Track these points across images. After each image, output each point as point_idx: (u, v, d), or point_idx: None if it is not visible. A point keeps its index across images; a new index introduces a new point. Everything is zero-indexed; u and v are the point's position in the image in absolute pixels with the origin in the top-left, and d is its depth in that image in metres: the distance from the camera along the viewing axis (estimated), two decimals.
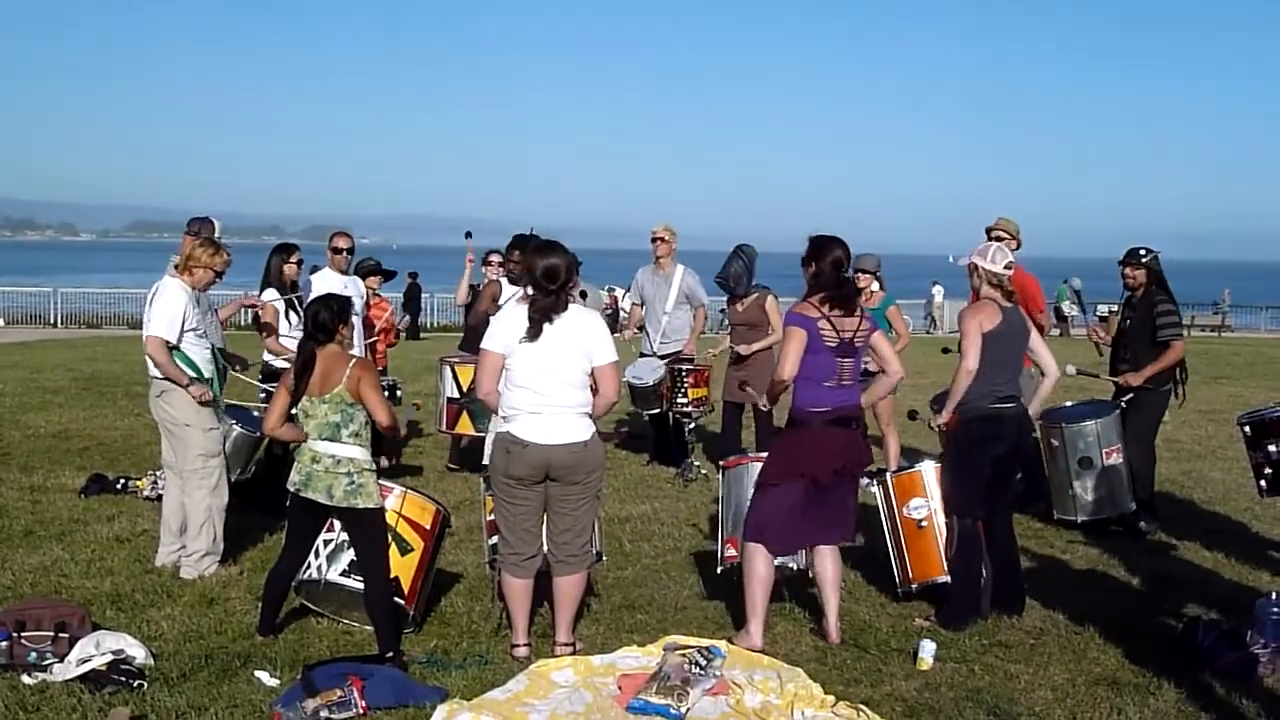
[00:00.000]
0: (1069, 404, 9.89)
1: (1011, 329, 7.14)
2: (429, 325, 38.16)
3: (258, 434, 9.07)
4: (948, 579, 7.25)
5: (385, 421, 6.48)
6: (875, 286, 11.20)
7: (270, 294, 9.89)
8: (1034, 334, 7.54)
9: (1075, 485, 9.23)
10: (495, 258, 12.04)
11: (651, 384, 11.80)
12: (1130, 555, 8.75)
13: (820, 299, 6.62)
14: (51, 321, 38.71)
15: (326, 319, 6.48)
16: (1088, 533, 9.28)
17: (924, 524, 7.54)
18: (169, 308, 7.85)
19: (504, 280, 11.25)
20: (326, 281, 10.28)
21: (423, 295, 37.21)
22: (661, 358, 11.97)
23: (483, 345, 6.39)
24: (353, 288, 10.51)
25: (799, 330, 6.57)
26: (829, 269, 6.66)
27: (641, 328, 12.46)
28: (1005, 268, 7.19)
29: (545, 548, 6.52)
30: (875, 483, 8.05)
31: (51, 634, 6.14)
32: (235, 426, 9.07)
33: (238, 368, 8.83)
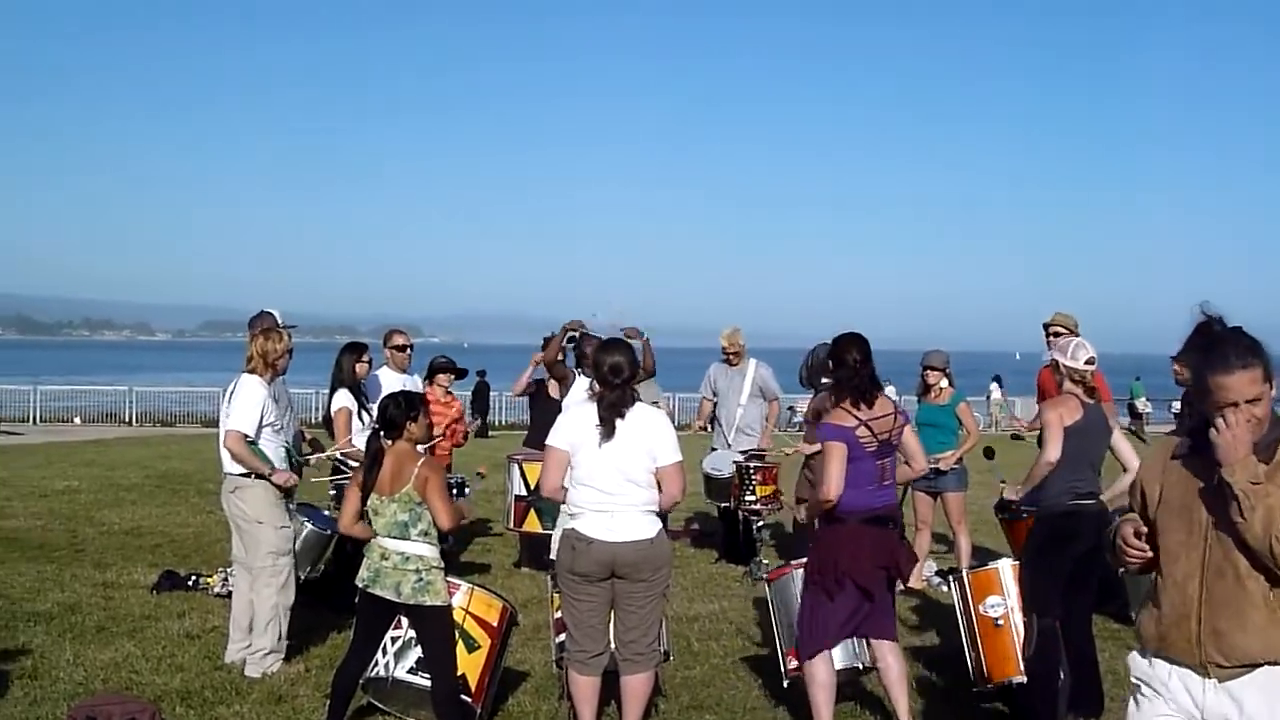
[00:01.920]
0: None
1: (1093, 425, 7.09)
2: (497, 423, 38.31)
3: (328, 532, 9.12)
4: (1025, 679, 7.12)
5: (446, 525, 6.50)
6: (944, 383, 11.14)
7: (342, 395, 9.99)
8: (1116, 431, 7.50)
9: None
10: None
11: (728, 476, 11.77)
12: None
13: (848, 401, 6.63)
14: (126, 420, 39.22)
15: (396, 415, 6.54)
16: None
17: (1001, 622, 7.42)
18: (248, 402, 7.97)
19: (578, 372, 11.27)
20: (386, 380, 10.36)
21: (490, 393, 37.39)
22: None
23: (548, 442, 6.41)
24: (412, 386, 10.56)
25: (838, 445, 6.53)
26: (850, 366, 6.68)
27: (714, 421, 12.45)
28: (1087, 363, 7.15)
29: (612, 646, 6.49)
30: (951, 580, 7.96)
31: None
32: (306, 524, 9.12)
33: (310, 457, 8.91)
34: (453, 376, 12.30)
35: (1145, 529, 3.80)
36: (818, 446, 11.03)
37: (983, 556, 10.81)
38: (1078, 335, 9.67)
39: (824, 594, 6.60)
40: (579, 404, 6.43)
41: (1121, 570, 4.15)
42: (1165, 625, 3.75)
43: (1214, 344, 3.73)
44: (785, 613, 7.46)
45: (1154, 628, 3.80)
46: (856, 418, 6.55)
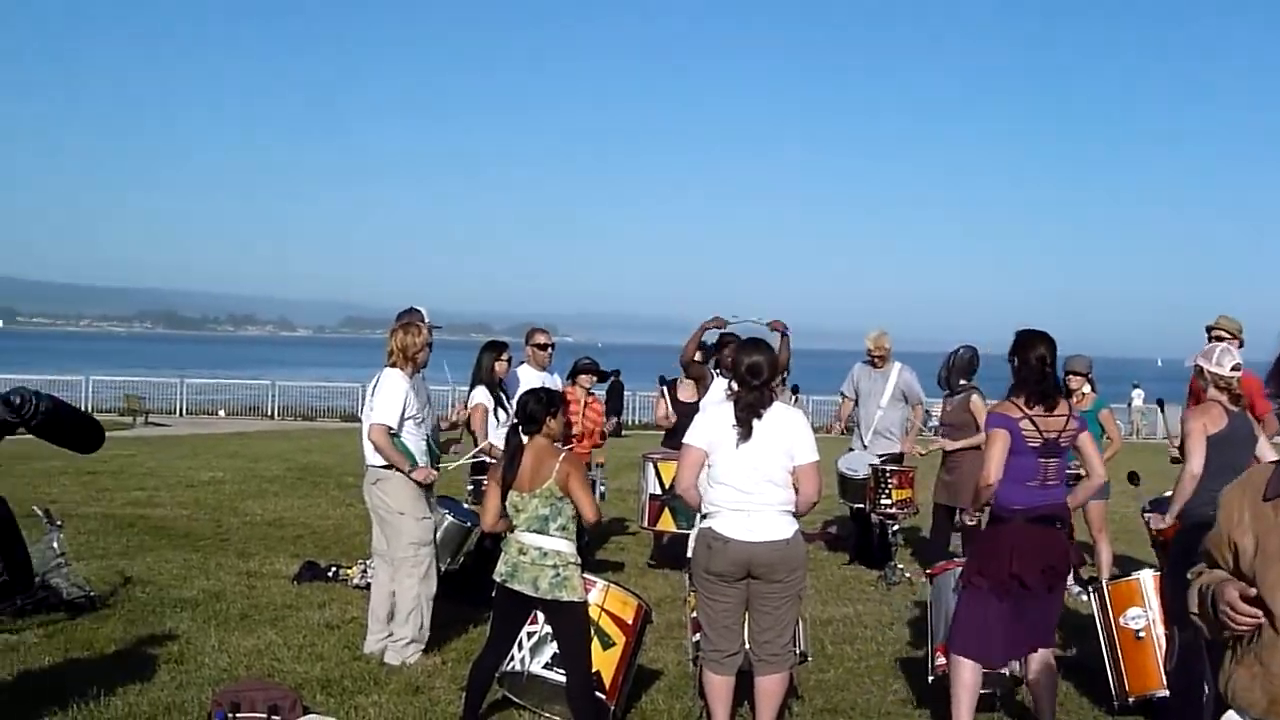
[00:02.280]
0: None
1: (1237, 434, 6.85)
2: (631, 423, 38.43)
3: (468, 525, 9.21)
4: (1166, 693, 6.94)
5: (591, 518, 6.54)
6: (1086, 388, 10.92)
7: (480, 392, 10.09)
8: (1261, 438, 7.23)
9: None
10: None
11: (863, 477, 11.65)
12: None
13: (1023, 397, 6.50)
14: (269, 414, 40.05)
15: (536, 411, 6.58)
16: None
17: (1142, 635, 7.24)
18: (391, 396, 8.10)
19: (716, 372, 11.22)
20: (526, 378, 10.43)
21: (624, 393, 37.50)
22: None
23: (685, 441, 6.40)
24: (551, 384, 10.63)
25: (1001, 431, 6.44)
26: (1033, 364, 6.53)
27: (853, 422, 12.35)
28: (1232, 370, 6.93)
29: (747, 646, 6.46)
30: (1091, 591, 7.78)
31: (265, 716, 6.31)
32: (447, 516, 9.22)
33: (452, 449, 9.03)
34: (595, 378, 12.34)
35: (1253, 590, 3.22)
36: (956, 443, 10.97)
37: (1125, 566, 10.58)
38: (1240, 342, 9.39)
39: (981, 593, 6.50)
40: (717, 403, 6.41)
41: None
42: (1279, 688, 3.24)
43: None
44: (940, 609, 7.37)
45: (1262, 691, 3.24)
46: (1023, 411, 6.45)
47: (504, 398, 10.08)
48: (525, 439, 6.58)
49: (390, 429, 8.04)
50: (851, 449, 12.18)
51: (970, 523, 9.36)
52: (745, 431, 6.15)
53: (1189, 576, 3.51)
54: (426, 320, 8.95)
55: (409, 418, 8.13)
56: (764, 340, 6.55)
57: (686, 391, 11.74)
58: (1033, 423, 6.41)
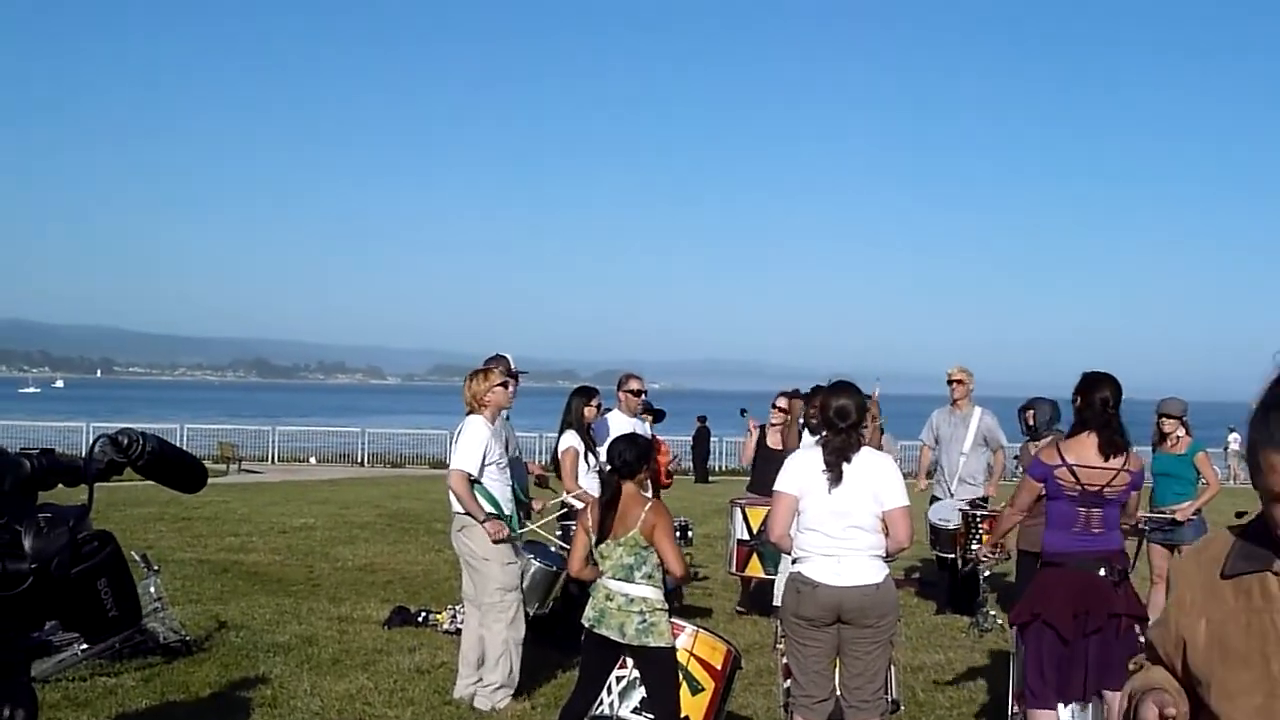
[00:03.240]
0: None
1: None
2: (717, 469, 38.38)
3: (555, 569, 9.24)
4: None
5: (678, 572, 6.54)
6: (1181, 432, 10.75)
7: (570, 436, 10.15)
8: None
9: None
10: (781, 400, 12.02)
11: (954, 526, 11.55)
12: None
13: (1074, 441, 6.58)
14: (359, 460, 40.41)
15: (631, 457, 6.58)
16: None
17: None
18: (470, 442, 8.16)
19: (805, 431, 11.19)
20: (618, 423, 10.46)
21: (710, 439, 37.52)
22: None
23: (776, 487, 6.39)
24: (642, 430, 10.65)
25: (1029, 481, 6.72)
26: (1097, 406, 6.54)
27: (936, 469, 12.26)
28: None
29: (839, 693, 6.41)
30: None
31: None
32: (534, 561, 9.25)
33: (536, 507, 9.09)
34: (651, 419, 12.33)
35: (1175, 711, 2.45)
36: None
37: None
38: None
39: (1032, 637, 6.59)
40: (807, 448, 6.41)
41: None
42: None
43: (1273, 406, 2.37)
44: (1020, 655, 7.33)
45: None
46: (1062, 459, 6.53)
47: (593, 443, 10.12)
48: (620, 484, 6.58)
49: (470, 476, 8.10)
50: (937, 498, 12.07)
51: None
52: (835, 476, 6.13)
53: (1130, 667, 2.81)
54: (512, 366, 9.02)
55: (490, 463, 8.18)
56: (852, 383, 6.52)
57: (774, 438, 11.73)
58: (1071, 472, 6.45)
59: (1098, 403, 6.54)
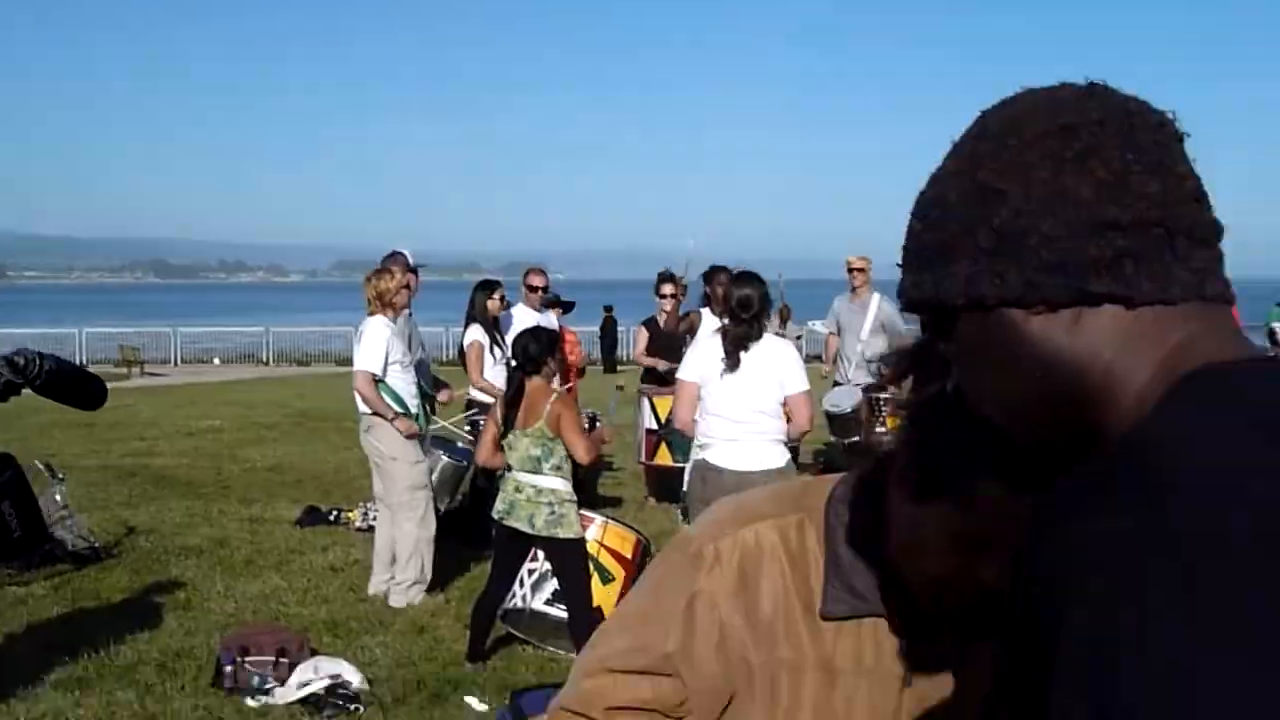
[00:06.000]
0: None
1: None
2: (624, 358, 38.51)
3: (464, 464, 9.29)
4: None
5: (584, 459, 6.63)
6: None
7: (474, 330, 10.13)
8: None
9: None
10: (667, 288, 11.98)
11: (849, 411, 11.67)
12: None
13: None
14: (264, 360, 39.97)
15: (536, 351, 6.62)
16: None
17: None
18: (372, 343, 8.14)
19: (705, 311, 11.22)
20: (523, 318, 10.46)
21: (618, 329, 37.58)
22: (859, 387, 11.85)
23: (679, 375, 6.49)
24: (547, 324, 10.64)
25: None
26: None
27: (837, 357, 12.38)
28: None
29: None
30: None
31: (273, 659, 6.40)
32: (442, 457, 9.29)
33: (442, 397, 9.10)
34: (560, 310, 12.32)
35: None
36: None
37: None
38: None
39: None
40: (708, 337, 6.48)
41: None
42: None
43: None
44: None
45: None
46: None
47: (498, 336, 10.12)
48: (526, 379, 6.63)
49: (374, 376, 8.09)
50: (838, 383, 12.17)
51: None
52: (734, 363, 6.22)
53: None
54: (410, 262, 8.98)
55: (394, 362, 8.16)
56: (756, 274, 6.60)
57: (667, 321, 11.78)
58: None
59: None
